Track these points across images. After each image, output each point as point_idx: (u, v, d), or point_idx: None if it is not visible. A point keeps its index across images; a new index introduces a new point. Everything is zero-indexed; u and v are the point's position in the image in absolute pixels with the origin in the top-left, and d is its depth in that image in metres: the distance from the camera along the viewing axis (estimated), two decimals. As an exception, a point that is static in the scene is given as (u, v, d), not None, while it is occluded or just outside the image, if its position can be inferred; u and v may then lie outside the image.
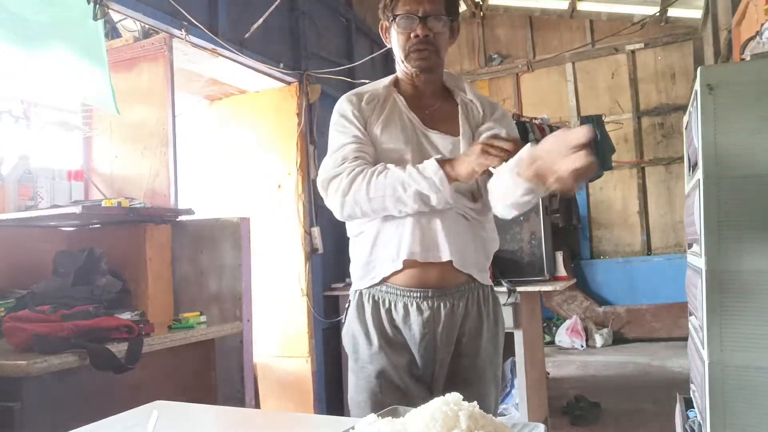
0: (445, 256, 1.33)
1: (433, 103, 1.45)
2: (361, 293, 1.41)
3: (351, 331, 1.41)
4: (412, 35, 1.36)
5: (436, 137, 1.40)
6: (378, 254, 1.37)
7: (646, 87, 6.68)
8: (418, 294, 1.34)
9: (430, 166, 1.24)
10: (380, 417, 0.72)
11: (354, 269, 1.45)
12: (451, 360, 1.38)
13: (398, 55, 1.42)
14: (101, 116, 2.66)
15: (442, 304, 1.34)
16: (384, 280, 1.37)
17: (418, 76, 1.43)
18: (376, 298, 1.37)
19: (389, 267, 1.35)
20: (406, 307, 1.34)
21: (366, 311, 1.38)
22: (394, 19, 1.38)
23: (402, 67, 1.45)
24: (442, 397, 0.69)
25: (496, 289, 2.81)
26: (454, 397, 0.68)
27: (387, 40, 1.46)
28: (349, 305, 1.44)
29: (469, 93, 1.47)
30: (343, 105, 1.46)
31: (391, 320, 1.36)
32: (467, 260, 1.36)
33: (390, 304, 1.36)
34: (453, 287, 1.36)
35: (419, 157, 1.34)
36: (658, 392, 4.02)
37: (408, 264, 1.33)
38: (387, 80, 1.50)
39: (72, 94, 2.30)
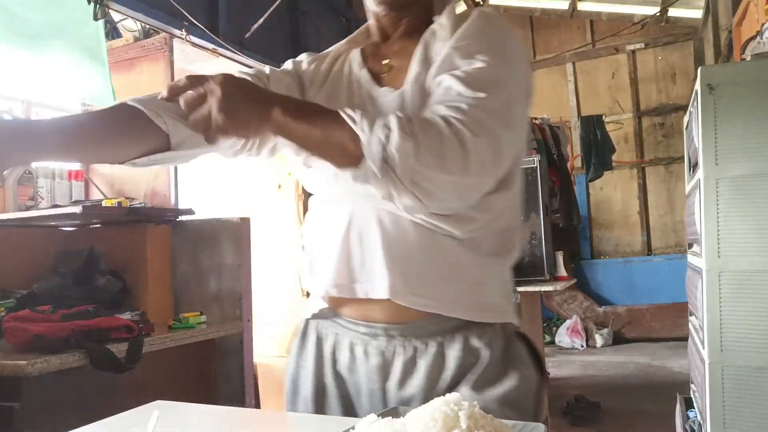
0: (380, 291, 0.88)
1: (397, 47, 1.00)
2: (307, 323, 1.03)
3: (290, 369, 1.04)
4: None
5: (384, 94, 0.95)
6: (313, 279, 0.99)
7: (647, 87, 6.69)
8: (366, 330, 0.92)
9: None
10: (380, 417, 0.72)
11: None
12: None
13: None
14: (101, 116, 2.66)
15: (398, 348, 0.90)
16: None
17: (386, 16, 1.00)
18: (319, 331, 1.00)
19: (317, 303, 0.98)
20: (351, 349, 0.94)
21: (308, 348, 1.01)
22: None
23: (368, 4, 1.02)
24: (442, 397, 0.68)
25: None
26: (455, 396, 0.68)
27: None
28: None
29: (444, 16, 0.95)
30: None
31: (334, 364, 0.96)
32: (428, 294, 0.88)
33: (335, 341, 0.96)
34: (417, 322, 0.89)
35: None
36: (658, 392, 4.02)
37: (336, 300, 0.94)
38: (357, 32, 1.11)
39: (72, 94, 2.31)
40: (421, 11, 0.98)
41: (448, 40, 0.90)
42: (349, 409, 0.95)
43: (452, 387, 0.88)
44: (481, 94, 0.80)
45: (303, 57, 1.10)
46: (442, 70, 0.86)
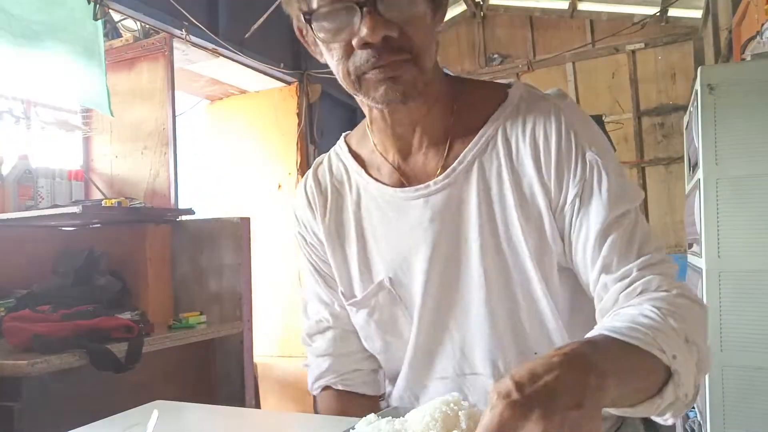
0: None
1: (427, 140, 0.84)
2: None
3: None
4: (354, 42, 0.71)
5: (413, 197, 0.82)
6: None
7: (646, 87, 6.68)
8: None
9: None
10: (379, 417, 0.71)
11: None
12: None
13: (340, 79, 0.77)
14: (101, 116, 2.66)
15: None
16: None
17: (392, 114, 0.80)
18: None
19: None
20: None
21: None
22: (310, 17, 0.72)
23: (359, 101, 0.81)
24: (441, 397, 0.68)
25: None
26: (454, 397, 0.68)
27: (313, 50, 0.81)
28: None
29: (510, 121, 0.80)
30: (294, 210, 1.00)
31: None
32: None
33: None
34: None
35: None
36: (658, 392, 4.01)
37: None
38: (350, 137, 0.94)
39: (68, 95, 2.30)
40: (431, 91, 0.80)
41: (561, 174, 0.76)
42: None
43: None
44: (646, 255, 0.72)
45: (305, 210, 0.97)
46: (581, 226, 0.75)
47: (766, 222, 1.76)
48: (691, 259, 2.30)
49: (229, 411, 1.14)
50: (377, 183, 0.86)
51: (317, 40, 0.75)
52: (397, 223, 0.85)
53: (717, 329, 1.82)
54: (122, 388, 1.78)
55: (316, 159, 0.97)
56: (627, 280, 0.71)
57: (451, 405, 0.65)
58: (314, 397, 0.99)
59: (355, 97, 0.80)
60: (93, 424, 0.91)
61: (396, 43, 0.71)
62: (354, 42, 0.71)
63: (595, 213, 0.74)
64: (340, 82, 0.77)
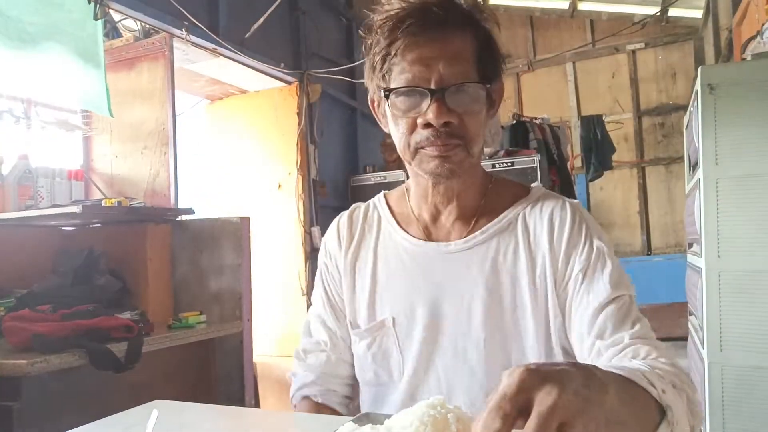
0: None
1: (448, 226, 0.96)
2: None
3: None
4: (419, 121, 0.84)
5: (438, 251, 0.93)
6: None
7: (647, 87, 6.68)
8: None
9: None
10: (358, 423, 0.69)
11: None
12: None
13: (400, 149, 0.89)
14: (101, 116, 2.66)
15: None
16: None
17: (435, 185, 0.93)
18: None
19: None
20: None
21: None
22: (388, 94, 0.85)
23: (410, 168, 0.93)
24: (425, 401, 0.65)
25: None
26: (438, 399, 0.65)
27: (381, 120, 0.94)
28: None
29: (529, 208, 0.93)
30: (324, 242, 1.07)
31: None
32: None
33: None
34: None
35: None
36: (658, 392, 4.00)
37: None
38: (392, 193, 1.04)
39: (67, 98, 2.29)
40: (471, 176, 0.93)
41: (568, 255, 0.87)
42: None
43: None
44: (638, 328, 0.80)
45: (335, 241, 1.04)
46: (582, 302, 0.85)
47: (766, 222, 1.76)
48: (691, 258, 2.31)
49: (228, 411, 1.14)
50: (404, 232, 0.98)
51: (387, 113, 0.88)
52: (411, 272, 0.94)
53: (717, 329, 1.82)
54: (122, 388, 1.78)
55: (354, 204, 1.08)
56: (619, 347, 0.79)
57: (438, 408, 0.63)
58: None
59: (407, 167, 0.93)
60: (93, 423, 0.91)
61: (454, 129, 0.83)
62: (419, 121, 0.84)
63: (596, 291, 0.84)
64: (399, 152, 0.90)
